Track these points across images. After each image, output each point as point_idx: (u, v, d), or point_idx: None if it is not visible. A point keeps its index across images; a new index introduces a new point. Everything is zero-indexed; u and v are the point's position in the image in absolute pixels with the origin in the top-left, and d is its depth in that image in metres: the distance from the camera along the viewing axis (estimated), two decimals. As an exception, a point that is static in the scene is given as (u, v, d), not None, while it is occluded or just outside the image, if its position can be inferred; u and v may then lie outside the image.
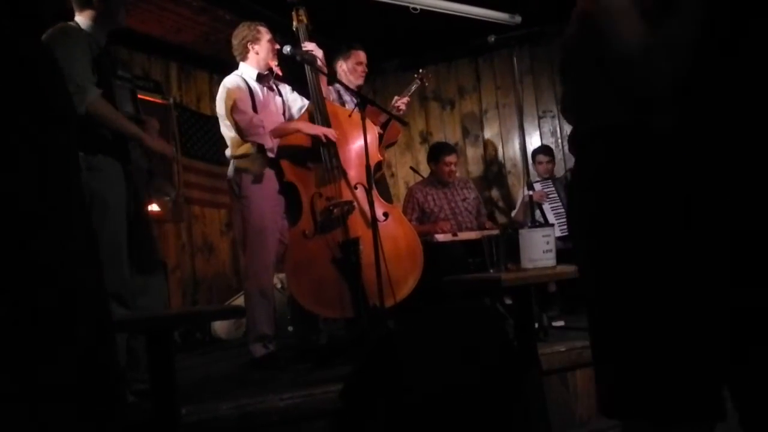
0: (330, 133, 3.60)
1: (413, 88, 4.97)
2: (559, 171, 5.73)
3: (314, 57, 3.67)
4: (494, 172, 6.73)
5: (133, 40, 5.17)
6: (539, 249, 2.68)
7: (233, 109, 3.51)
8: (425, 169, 5.80)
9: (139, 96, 3.44)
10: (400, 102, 4.65)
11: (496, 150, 6.74)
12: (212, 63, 5.79)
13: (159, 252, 3.29)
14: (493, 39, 4.26)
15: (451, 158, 5.07)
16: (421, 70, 5.04)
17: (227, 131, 3.64)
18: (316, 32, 3.91)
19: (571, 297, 4.74)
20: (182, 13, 4.95)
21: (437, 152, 5.15)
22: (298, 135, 3.62)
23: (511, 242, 2.88)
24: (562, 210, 5.25)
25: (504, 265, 2.88)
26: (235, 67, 3.75)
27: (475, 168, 6.80)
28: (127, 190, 2.90)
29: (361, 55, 4.31)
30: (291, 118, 3.82)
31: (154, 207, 5.28)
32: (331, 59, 4.22)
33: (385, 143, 4.45)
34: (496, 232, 4.75)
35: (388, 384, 2.41)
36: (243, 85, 3.60)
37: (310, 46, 3.75)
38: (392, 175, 6.89)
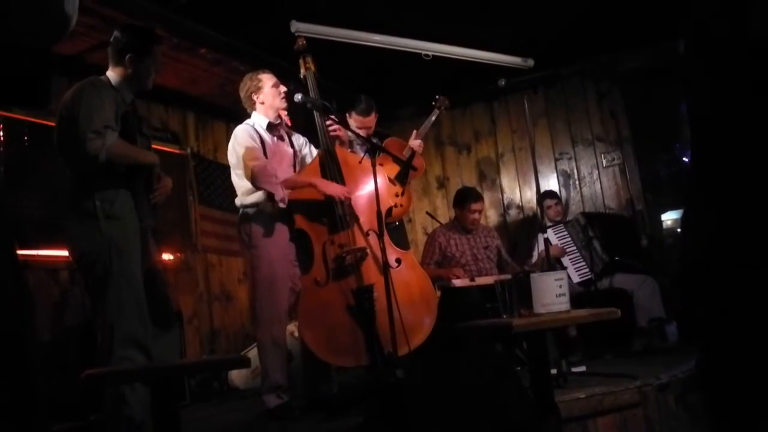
0: (344, 193, 3.55)
1: (433, 118, 4.82)
2: (573, 212, 5.65)
3: (324, 103, 3.66)
4: (512, 216, 6.68)
5: (151, 92, 5.18)
6: (552, 293, 2.64)
7: (246, 156, 3.50)
8: (442, 214, 5.77)
9: (157, 147, 3.51)
10: (416, 144, 4.50)
11: (513, 194, 6.71)
12: (229, 113, 5.82)
13: (172, 302, 3.28)
14: (503, 82, 4.26)
15: (478, 206, 4.98)
16: (438, 97, 4.87)
17: (238, 180, 3.65)
18: (324, 79, 3.93)
19: (593, 342, 4.63)
20: (198, 64, 5.03)
21: (463, 199, 5.04)
22: (311, 189, 3.57)
23: (524, 287, 2.83)
24: (580, 256, 5.16)
25: (517, 310, 2.83)
26: (250, 115, 3.77)
27: (493, 212, 6.74)
28: (141, 240, 2.95)
29: (361, 120, 4.20)
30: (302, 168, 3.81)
31: (167, 256, 5.33)
32: (342, 109, 4.20)
33: (414, 176, 4.45)
34: (509, 276, 4.68)
35: (398, 434, 2.35)
36: (254, 134, 3.61)
37: (334, 128, 3.73)
38: (410, 220, 6.83)
